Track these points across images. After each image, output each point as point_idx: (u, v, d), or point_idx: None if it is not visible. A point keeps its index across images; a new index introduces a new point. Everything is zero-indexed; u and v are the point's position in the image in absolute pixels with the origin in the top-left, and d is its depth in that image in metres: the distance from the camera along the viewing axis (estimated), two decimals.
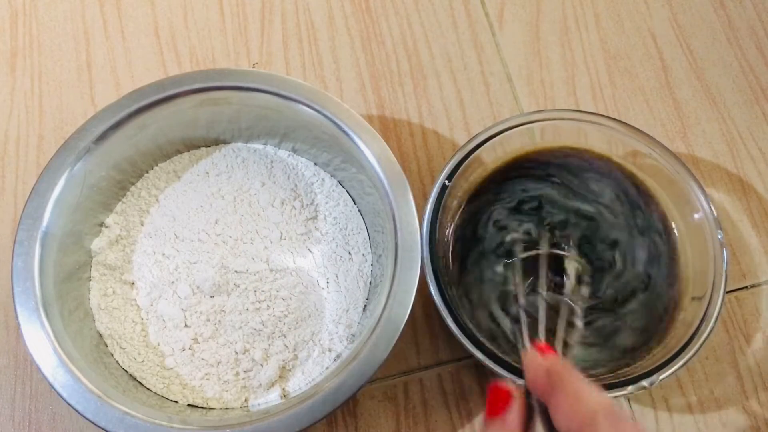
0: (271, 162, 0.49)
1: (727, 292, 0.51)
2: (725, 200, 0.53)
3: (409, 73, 0.56)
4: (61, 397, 0.39)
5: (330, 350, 0.45)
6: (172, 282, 0.46)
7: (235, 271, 0.46)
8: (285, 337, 0.45)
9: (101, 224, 0.47)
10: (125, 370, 0.44)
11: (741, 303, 0.50)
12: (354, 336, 0.45)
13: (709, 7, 0.58)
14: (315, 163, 0.50)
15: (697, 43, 0.57)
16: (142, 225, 0.47)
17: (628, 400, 0.48)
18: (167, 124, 0.46)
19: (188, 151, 0.49)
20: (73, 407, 0.39)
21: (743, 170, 0.54)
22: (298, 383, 0.44)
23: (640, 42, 0.57)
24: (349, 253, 0.47)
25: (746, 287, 0.51)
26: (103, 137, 0.44)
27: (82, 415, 0.38)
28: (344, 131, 0.44)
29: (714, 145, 0.54)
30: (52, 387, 0.39)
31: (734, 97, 0.56)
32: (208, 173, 0.49)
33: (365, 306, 0.46)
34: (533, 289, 0.41)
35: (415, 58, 0.56)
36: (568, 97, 0.55)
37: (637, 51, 0.57)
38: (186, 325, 0.45)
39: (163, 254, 0.47)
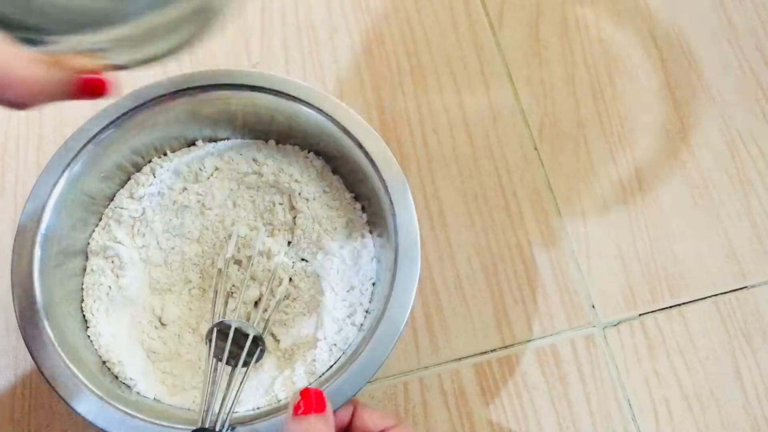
0: (272, 161, 0.49)
1: (727, 292, 0.51)
2: (725, 200, 0.53)
3: (409, 73, 0.56)
4: (62, 398, 0.39)
5: (335, 345, 0.45)
6: (175, 283, 0.46)
7: (238, 269, 0.46)
8: (287, 333, 0.45)
9: (99, 224, 0.47)
10: (125, 372, 0.44)
11: (741, 303, 0.50)
12: (357, 335, 0.45)
13: (709, 7, 0.58)
14: (316, 161, 0.49)
15: (697, 43, 0.57)
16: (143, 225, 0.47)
17: (629, 401, 0.48)
18: (166, 124, 0.46)
19: (187, 148, 0.49)
20: (73, 409, 0.39)
21: (743, 170, 0.54)
22: (299, 383, 0.44)
23: (640, 42, 0.57)
24: (356, 249, 0.47)
25: (746, 287, 0.51)
26: (102, 138, 0.44)
27: (84, 417, 0.38)
28: (344, 131, 0.44)
29: (714, 145, 0.54)
30: (53, 389, 0.39)
31: (734, 97, 0.56)
32: (208, 171, 0.49)
33: (368, 307, 0.46)
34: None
35: (415, 58, 0.56)
36: (568, 97, 0.55)
37: (637, 51, 0.57)
38: (188, 328, 0.45)
39: (167, 254, 0.47)
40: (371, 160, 0.44)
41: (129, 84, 0.54)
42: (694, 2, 0.58)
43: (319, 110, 0.45)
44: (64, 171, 0.43)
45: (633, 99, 0.55)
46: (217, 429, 0.37)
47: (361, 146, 0.44)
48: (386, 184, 0.43)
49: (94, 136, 0.44)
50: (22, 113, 0.54)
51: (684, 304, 0.50)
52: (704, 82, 0.56)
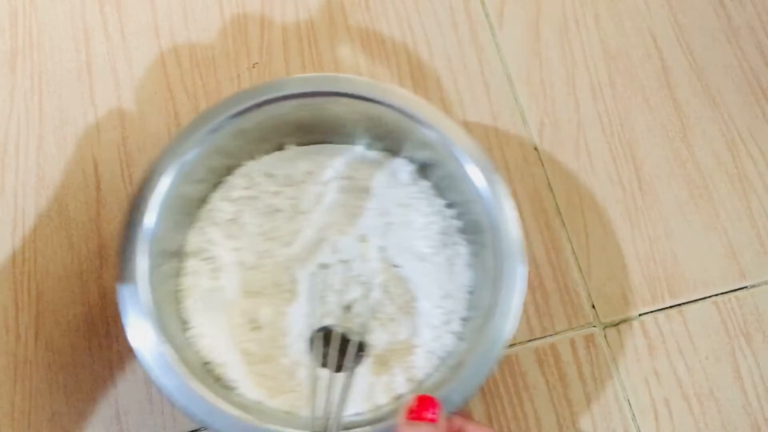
0: (363, 166, 0.49)
1: (727, 292, 0.51)
2: (725, 200, 0.53)
3: (409, 73, 0.56)
4: (172, 400, 0.39)
5: (432, 352, 0.45)
6: (267, 286, 0.46)
7: (331, 274, 0.46)
8: (379, 338, 0.45)
9: (195, 226, 0.47)
10: (227, 374, 0.44)
11: (741, 303, 0.50)
12: (457, 344, 0.45)
13: (709, 7, 0.58)
14: (407, 166, 0.49)
15: (697, 43, 0.57)
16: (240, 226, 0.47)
17: (629, 401, 0.48)
18: (259, 128, 0.46)
19: (278, 152, 0.49)
20: (184, 410, 0.39)
21: (743, 170, 0.54)
22: (400, 389, 0.44)
23: (640, 42, 0.57)
24: (449, 256, 0.47)
25: (746, 287, 0.51)
26: (202, 141, 0.44)
27: (195, 419, 0.39)
28: (441, 137, 0.44)
29: (714, 145, 0.54)
30: (160, 390, 0.39)
31: (734, 97, 0.56)
32: (300, 175, 0.48)
33: (464, 315, 0.46)
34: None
35: (415, 58, 0.56)
36: (568, 97, 0.55)
37: (637, 51, 0.57)
38: (281, 331, 0.45)
39: (260, 257, 0.47)
40: (468, 166, 0.44)
41: (129, 84, 0.55)
42: (694, 2, 0.58)
43: (412, 117, 0.44)
44: (165, 173, 0.43)
45: (633, 99, 0.55)
46: None
47: (456, 153, 0.44)
48: (484, 190, 0.43)
49: (193, 140, 0.44)
50: (21, 112, 0.54)
51: (684, 304, 0.50)
52: (704, 82, 0.56)
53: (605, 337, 0.50)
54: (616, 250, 0.51)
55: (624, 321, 0.50)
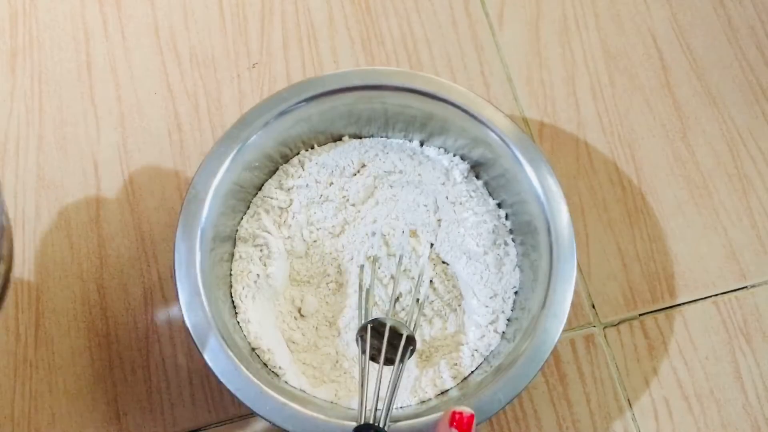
0: (417, 162, 0.49)
1: (727, 292, 0.51)
2: (725, 200, 0.53)
3: None
4: (220, 382, 0.40)
5: (476, 350, 0.45)
6: (313, 276, 0.46)
7: (378, 268, 0.46)
8: (424, 333, 0.45)
9: (248, 212, 0.48)
10: (274, 361, 0.44)
11: (741, 303, 0.50)
12: (501, 343, 0.45)
13: (709, 7, 0.58)
14: (461, 165, 0.49)
15: (697, 43, 0.57)
16: (291, 216, 0.48)
17: (629, 401, 0.48)
18: (320, 118, 0.46)
19: (333, 143, 0.50)
20: (234, 394, 0.39)
21: (743, 170, 0.54)
22: (446, 384, 0.44)
23: (640, 42, 0.57)
24: (499, 256, 0.47)
25: (746, 287, 0.51)
26: (264, 129, 0.45)
27: (242, 402, 0.39)
28: (501, 138, 0.45)
29: (714, 145, 0.54)
30: (211, 370, 0.40)
31: (734, 97, 0.56)
32: (354, 167, 0.49)
33: (510, 315, 0.46)
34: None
35: (415, 58, 0.56)
36: (568, 97, 0.55)
37: (637, 51, 0.57)
38: (325, 321, 0.46)
39: (309, 246, 0.47)
40: (526, 166, 0.44)
41: (129, 84, 0.55)
42: (694, 2, 0.58)
43: (473, 115, 0.45)
44: (225, 159, 0.44)
45: (633, 99, 0.55)
46: (381, 425, 0.38)
47: (516, 153, 0.44)
48: (541, 191, 0.44)
49: (255, 126, 0.44)
50: (21, 112, 0.54)
51: (684, 304, 0.50)
52: (704, 82, 0.56)
53: (605, 337, 0.50)
54: (616, 250, 0.51)
55: (624, 321, 0.50)
